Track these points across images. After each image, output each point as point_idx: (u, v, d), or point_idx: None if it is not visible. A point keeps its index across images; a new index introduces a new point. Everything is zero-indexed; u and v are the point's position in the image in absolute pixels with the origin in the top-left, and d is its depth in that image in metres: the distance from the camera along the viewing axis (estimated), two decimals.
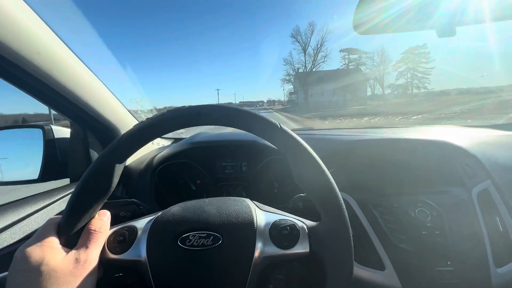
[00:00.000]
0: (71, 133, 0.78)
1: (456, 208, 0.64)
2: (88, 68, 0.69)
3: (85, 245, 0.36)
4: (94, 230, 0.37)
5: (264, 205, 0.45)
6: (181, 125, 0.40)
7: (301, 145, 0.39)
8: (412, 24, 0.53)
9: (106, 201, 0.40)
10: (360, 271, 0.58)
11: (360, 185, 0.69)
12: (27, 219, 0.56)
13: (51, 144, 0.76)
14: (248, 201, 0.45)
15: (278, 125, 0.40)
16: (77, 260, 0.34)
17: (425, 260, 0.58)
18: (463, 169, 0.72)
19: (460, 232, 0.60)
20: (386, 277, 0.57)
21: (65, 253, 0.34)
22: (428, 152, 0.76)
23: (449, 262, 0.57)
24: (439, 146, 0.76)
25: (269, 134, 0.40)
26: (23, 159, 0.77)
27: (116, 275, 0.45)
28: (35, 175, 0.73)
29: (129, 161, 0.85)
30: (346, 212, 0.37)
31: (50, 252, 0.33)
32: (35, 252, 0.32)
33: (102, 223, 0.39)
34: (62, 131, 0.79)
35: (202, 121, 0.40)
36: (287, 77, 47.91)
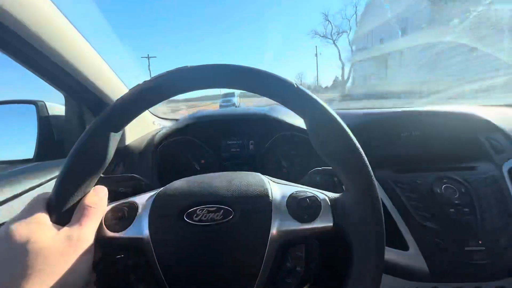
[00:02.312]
0: (66, 110, 0.74)
1: (485, 184, 0.58)
2: (85, 38, 0.63)
3: (78, 222, 0.31)
4: (89, 206, 0.33)
5: (277, 179, 0.41)
6: (182, 87, 0.35)
7: (323, 106, 0.34)
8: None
9: (103, 176, 0.35)
10: None
11: (380, 161, 0.64)
12: (20, 197, 0.53)
13: (45, 122, 0.71)
14: (260, 174, 0.41)
15: (295, 84, 0.34)
16: (68, 238, 0.30)
17: (453, 239, 0.53)
18: (490, 144, 0.66)
19: (491, 209, 0.55)
20: (410, 258, 0.53)
21: (55, 231, 0.30)
22: (452, 125, 0.70)
23: (480, 242, 0.53)
24: (464, 119, 0.70)
25: (285, 96, 0.34)
26: (16, 136, 0.73)
27: (118, 256, 0.41)
28: (30, 154, 0.69)
29: (130, 140, 0.81)
30: (375, 181, 0.32)
31: (38, 229, 0.29)
32: (21, 229, 0.28)
33: (97, 199, 0.34)
34: (57, 108, 0.74)
35: (206, 82, 0.34)
36: None
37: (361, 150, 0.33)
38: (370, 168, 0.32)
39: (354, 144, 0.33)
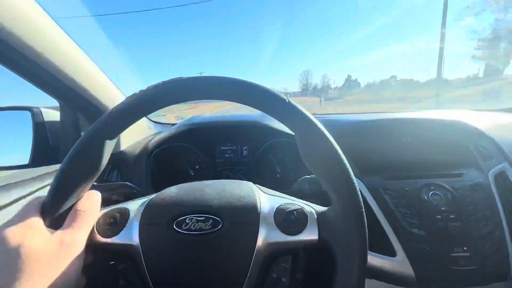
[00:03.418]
0: (61, 116, 0.74)
1: (472, 191, 0.60)
2: (79, 46, 0.64)
3: (71, 226, 0.32)
4: (82, 211, 0.34)
5: (267, 189, 0.42)
6: (176, 98, 0.36)
7: (311, 121, 0.35)
8: None
9: (97, 184, 0.36)
10: (369, 258, 0.55)
11: (369, 168, 0.65)
12: (16, 203, 0.53)
13: (41, 128, 0.71)
14: (251, 184, 0.42)
15: (286, 99, 0.36)
16: (61, 242, 0.30)
17: (439, 245, 0.55)
18: (478, 151, 0.68)
19: (477, 216, 0.57)
20: (397, 264, 0.54)
21: (48, 235, 0.31)
22: (441, 133, 0.71)
23: (465, 248, 0.54)
24: (453, 126, 0.71)
25: (276, 110, 0.36)
26: (11, 143, 0.73)
27: (111, 262, 0.42)
28: (25, 160, 0.69)
29: (125, 145, 0.81)
30: (361, 197, 0.33)
31: (31, 233, 0.30)
32: (14, 232, 0.29)
33: (90, 204, 0.35)
34: (52, 114, 0.74)
35: (200, 93, 0.35)
36: None
37: (349, 168, 0.33)
38: (357, 187, 0.33)
39: (342, 163, 0.33)
